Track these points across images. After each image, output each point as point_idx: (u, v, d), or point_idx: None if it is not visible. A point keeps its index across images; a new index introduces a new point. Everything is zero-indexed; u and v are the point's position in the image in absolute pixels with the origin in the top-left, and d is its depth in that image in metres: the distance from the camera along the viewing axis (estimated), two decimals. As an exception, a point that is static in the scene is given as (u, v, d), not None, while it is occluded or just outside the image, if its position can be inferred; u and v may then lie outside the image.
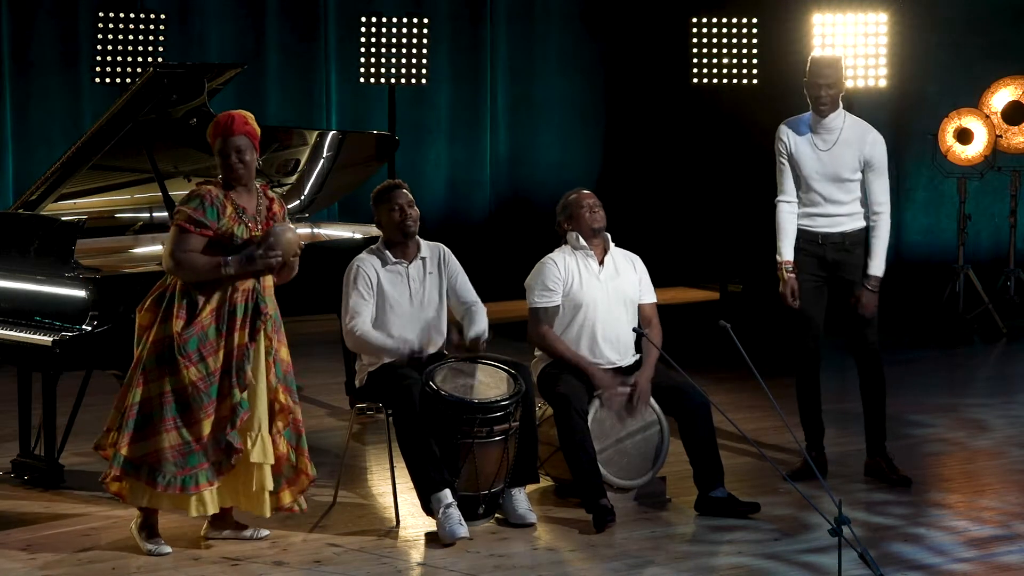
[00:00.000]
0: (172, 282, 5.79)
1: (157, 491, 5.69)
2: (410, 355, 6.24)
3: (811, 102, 6.77)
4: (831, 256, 6.81)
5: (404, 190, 6.45)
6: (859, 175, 6.80)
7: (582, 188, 6.79)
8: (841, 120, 6.78)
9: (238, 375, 5.74)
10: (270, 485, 5.85)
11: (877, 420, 6.94)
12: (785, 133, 6.84)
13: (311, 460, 5.97)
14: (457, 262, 6.56)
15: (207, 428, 5.70)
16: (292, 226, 5.97)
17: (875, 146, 6.80)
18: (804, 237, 6.83)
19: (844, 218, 6.81)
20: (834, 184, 6.78)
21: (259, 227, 5.84)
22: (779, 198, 6.86)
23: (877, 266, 6.80)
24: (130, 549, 5.86)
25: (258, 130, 5.89)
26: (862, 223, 6.86)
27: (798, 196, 6.83)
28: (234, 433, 5.71)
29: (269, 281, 5.92)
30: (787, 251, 6.82)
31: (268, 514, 5.91)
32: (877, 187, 6.83)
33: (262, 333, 5.82)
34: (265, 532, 6.04)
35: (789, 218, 6.84)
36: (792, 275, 6.79)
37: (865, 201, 6.83)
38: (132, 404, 5.72)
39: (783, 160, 6.83)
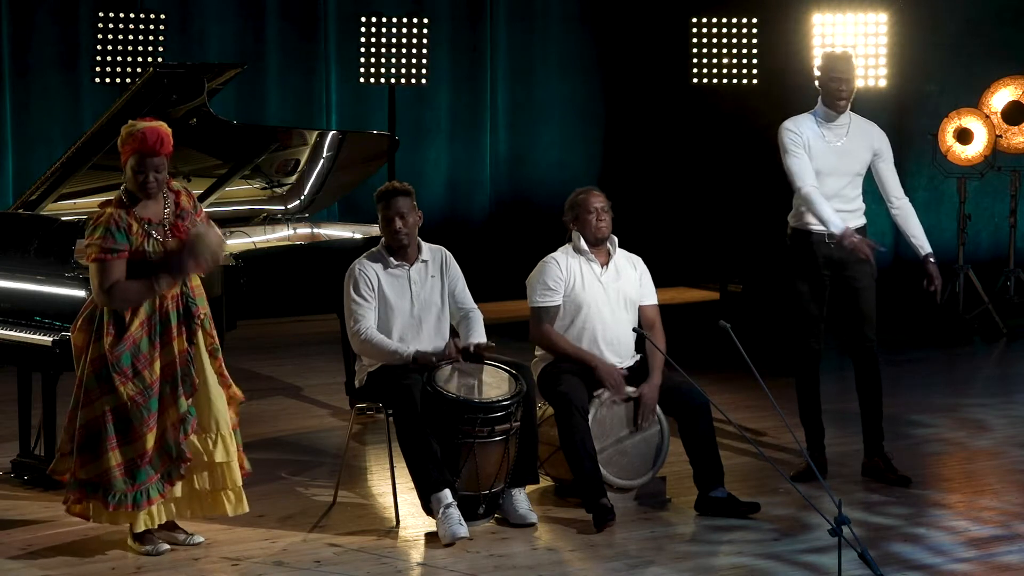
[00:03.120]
0: None
1: (109, 510, 5.69)
2: (414, 360, 6.23)
3: (829, 97, 6.78)
4: (838, 255, 6.79)
5: (402, 197, 6.36)
6: (865, 169, 6.85)
7: (594, 188, 6.76)
8: (848, 116, 6.84)
9: (184, 382, 5.72)
10: (239, 481, 5.89)
11: (874, 420, 6.94)
12: (794, 126, 6.79)
13: (245, 454, 6.01)
14: (457, 267, 6.55)
15: (151, 441, 5.67)
16: (213, 225, 5.86)
17: (883, 138, 6.91)
18: (811, 237, 6.81)
19: (851, 214, 6.81)
20: (846, 178, 6.79)
21: (168, 230, 5.74)
22: (803, 184, 6.71)
23: (926, 243, 6.84)
24: (130, 549, 5.87)
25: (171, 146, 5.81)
26: (864, 220, 6.87)
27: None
28: (186, 442, 5.70)
29: (196, 281, 5.87)
30: (838, 220, 6.65)
31: (233, 513, 5.91)
32: (892, 176, 6.90)
33: (200, 334, 5.81)
34: (200, 539, 5.98)
35: (821, 196, 6.68)
36: (859, 236, 6.67)
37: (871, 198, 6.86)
38: (79, 426, 5.70)
39: (796, 149, 6.74)
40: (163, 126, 5.77)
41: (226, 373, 5.95)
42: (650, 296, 6.73)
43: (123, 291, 5.64)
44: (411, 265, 6.42)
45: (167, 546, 5.85)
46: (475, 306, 6.56)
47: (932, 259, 6.84)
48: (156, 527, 5.83)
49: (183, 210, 5.82)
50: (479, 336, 6.41)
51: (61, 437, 5.86)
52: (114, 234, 5.64)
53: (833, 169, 6.77)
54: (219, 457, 5.81)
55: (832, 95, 6.78)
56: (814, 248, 6.81)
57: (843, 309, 6.89)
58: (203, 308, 5.85)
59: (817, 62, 6.94)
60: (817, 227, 6.79)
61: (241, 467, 5.92)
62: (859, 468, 7.00)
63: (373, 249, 6.49)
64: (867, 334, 6.88)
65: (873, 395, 6.93)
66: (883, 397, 6.97)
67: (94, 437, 5.69)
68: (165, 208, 5.78)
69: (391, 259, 6.40)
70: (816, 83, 6.91)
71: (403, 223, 6.35)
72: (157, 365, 5.70)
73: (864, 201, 6.92)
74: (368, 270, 6.38)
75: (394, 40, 11.34)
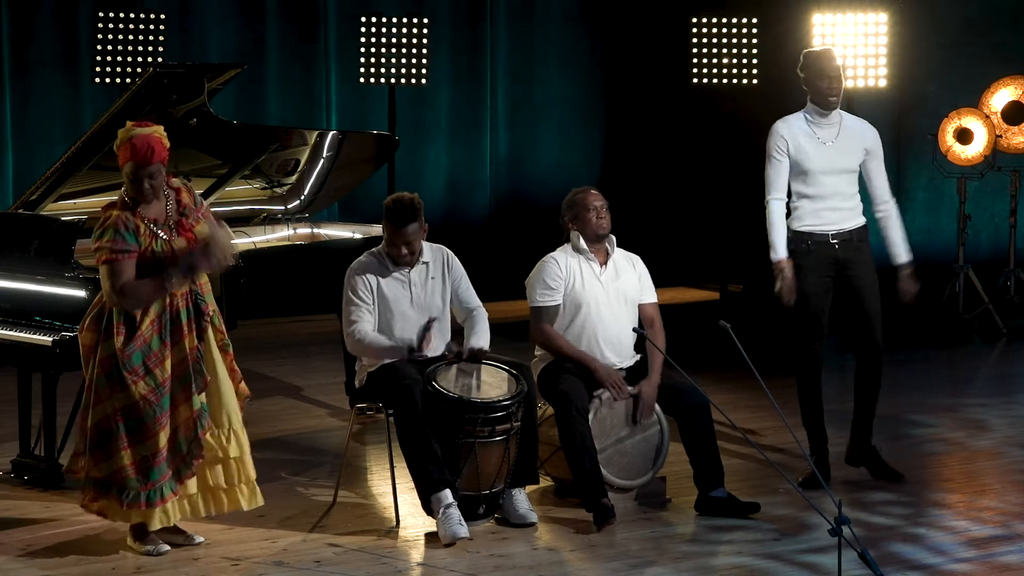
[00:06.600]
0: None
1: (123, 509, 5.71)
2: (409, 351, 6.22)
3: (819, 96, 6.76)
4: (843, 255, 6.78)
5: (412, 224, 6.27)
6: (859, 166, 6.84)
7: (591, 187, 6.75)
8: (838, 114, 6.83)
9: (196, 378, 5.74)
10: (253, 475, 5.91)
11: (867, 417, 6.93)
12: (783, 131, 6.79)
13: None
14: (460, 266, 6.53)
15: (163, 440, 5.68)
16: (223, 224, 5.88)
17: (875, 136, 6.90)
18: (813, 238, 6.77)
19: (851, 212, 6.81)
20: (843, 176, 6.78)
21: (172, 227, 5.75)
22: (772, 196, 6.79)
23: (906, 251, 6.84)
24: (130, 549, 5.87)
25: (167, 150, 5.78)
26: (863, 220, 6.86)
27: (804, 195, 6.80)
28: (202, 439, 5.72)
29: (205, 279, 5.88)
30: (782, 249, 6.77)
31: (248, 506, 5.93)
32: (881, 178, 6.87)
33: (209, 331, 5.82)
34: (200, 539, 5.98)
35: (782, 216, 6.80)
36: (791, 275, 6.75)
37: (862, 196, 6.85)
38: (90, 426, 5.72)
39: (780, 157, 6.77)
40: (155, 133, 5.70)
41: (236, 368, 5.98)
42: (649, 294, 6.73)
43: (134, 290, 5.64)
44: (411, 267, 6.40)
45: (167, 547, 5.85)
46: (480, 304, 6.54)
47: (909, 269, 6.79)
48: (172, 525, 5.83)
49: (185, 207, 5.83)
50: (480, 337, 6.40)
51: (76, 437, 5.88)
52: (123, 235, 5.66)
53: (828, 168, 6.76)
54: (233, 452, 5.83)
55: (822, 94, 6.76)
56: (818, 249, 6.79)
57: (849, 310, 6.87)
58: (211, 304, 5.87)
59: (801, 61, 6.88)
60: (822, 227, 6.77)
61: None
62: (860, 468, 6.98)
63: (373, 250, 6.46)
64: (874, 335, 6.86)
65: (871, 394, 6.92)
66: (883, 397, 6.96)
67: (106, 436, 5.70)
68: (167, 207, 5.79)
69: (390, 263, 6.38)
70: (802, 84, 6.87)
71: (409, 249, 6.33)
72: (168, 363, 5.71)
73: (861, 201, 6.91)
74: (367, 272, 6.36)
75: (394, 40, 11.34)
